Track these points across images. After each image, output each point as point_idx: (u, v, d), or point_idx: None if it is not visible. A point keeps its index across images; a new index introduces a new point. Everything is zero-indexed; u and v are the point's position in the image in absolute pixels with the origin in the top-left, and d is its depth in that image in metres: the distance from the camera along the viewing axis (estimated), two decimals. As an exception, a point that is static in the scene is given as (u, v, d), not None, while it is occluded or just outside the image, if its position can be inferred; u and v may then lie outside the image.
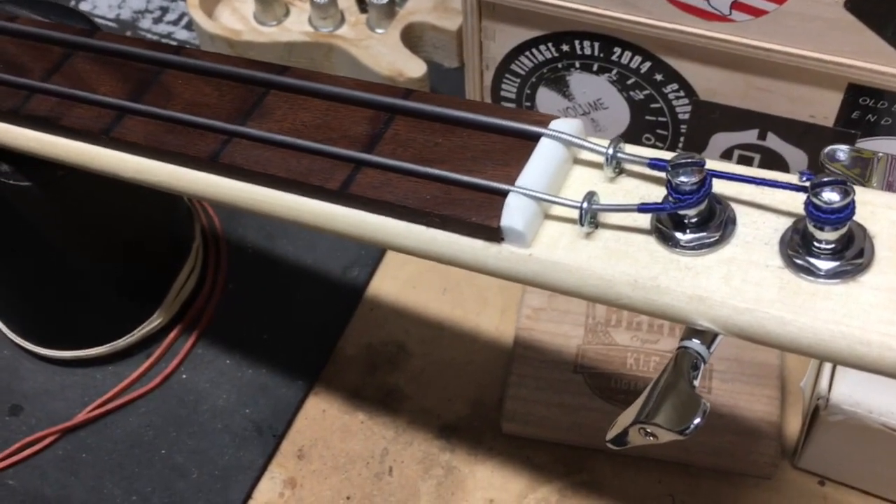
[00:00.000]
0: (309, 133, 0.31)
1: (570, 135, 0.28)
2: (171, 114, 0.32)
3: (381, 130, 0.30)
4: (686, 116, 0.44)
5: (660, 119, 0.45)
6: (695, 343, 0.26)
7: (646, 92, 0.44)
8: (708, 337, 0.26)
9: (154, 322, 0.46)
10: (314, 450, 0.44)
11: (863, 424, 0.36)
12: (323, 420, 0.45)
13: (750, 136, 0.43)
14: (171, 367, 0.46)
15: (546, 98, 0.47)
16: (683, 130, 0.45)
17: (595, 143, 0.28)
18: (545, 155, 0.28)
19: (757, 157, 0.44)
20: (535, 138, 0.28)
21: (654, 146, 0.46)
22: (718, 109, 0.43)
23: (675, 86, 0.43)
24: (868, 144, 0.41)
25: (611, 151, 0.27)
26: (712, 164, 0.26)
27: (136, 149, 0.32)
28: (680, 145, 0.46)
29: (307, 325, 0.48)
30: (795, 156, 0.43)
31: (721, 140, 0.44)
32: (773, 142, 0.43)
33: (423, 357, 0.47)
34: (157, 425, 0.44)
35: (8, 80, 0.35)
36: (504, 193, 0.27)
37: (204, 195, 0.32)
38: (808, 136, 0.42)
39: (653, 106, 0.44)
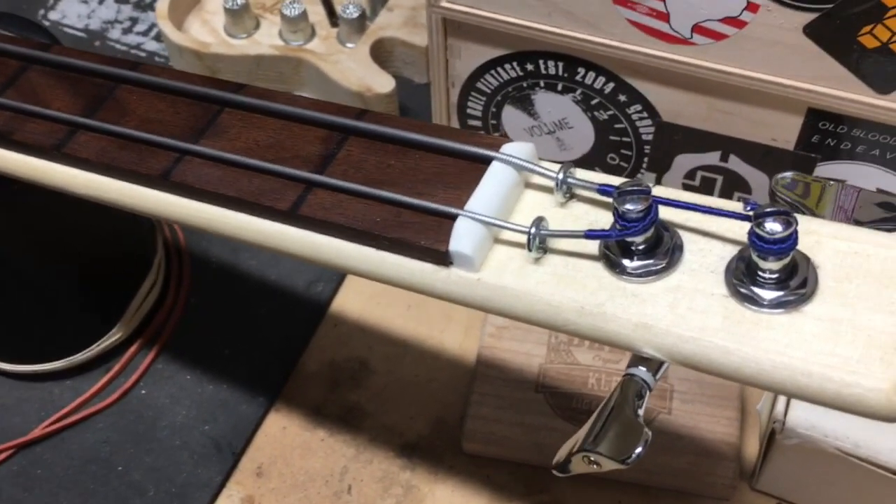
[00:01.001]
0: (261, 152, 0.30)
1: (520, 159, 0.28)
2: (124, 130, 0.32)
3: (334, 151, 0.30)
4: (650, 137, 0.44)
5: (624, 139, 0.45)
6: (641, 371, 0.26)
7: (610, 112, 0.44)
8: (654, 364, 0.26)
9: (114, 336, 0.45)
10: (273, 467, 0.44)
11: (818, 448, 0.36)
12: (283, 437, 0.45)
13: (713, 157, 0.43)
14: (130, 382, 0.45)
15: (512, 116, 0.47)
16: (647, 151, 0.45)
17: (545, 168, 0.28)
18: (496, 179, 0.28)
19: (720, 178, 0.44)
20: (486, 161, 0.28)
21: (618, 166, 0.46)
22: (681, 131, 0.43)
23: (638, 107, 0.43)
24: (828, 168, 0.41)
25: (561, 176, 0.27)
26: (659, 191, 0.26)
27: (88, 165, 0.32)
28: (644, 166, 0.46)
29: (269, 341, 0.47)
30: (757, 178, 0.43)
31: (684, 161, 0.44)
32: (736, 164, 0.43)
33: (385, 374, 0.47)
34: (115, 441, 0.44)
35: (-40, 93, 0.34)
36: (453, 217, 0.27)
37: (155, 213, 0.32)
38: (769, 158, 0.42)
39: (617, 126, 0.44)
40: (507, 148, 0.28)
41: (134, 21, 0.62)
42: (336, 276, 0.50)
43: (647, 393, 0.26)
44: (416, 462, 0.44)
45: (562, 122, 0.46)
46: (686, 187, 0.46)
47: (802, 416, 0.36)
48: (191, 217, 0.31)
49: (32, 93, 0.34)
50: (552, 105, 0.45)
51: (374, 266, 0.28)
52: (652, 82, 0.42)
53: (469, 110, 0.48)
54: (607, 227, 0.27)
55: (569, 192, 0.28)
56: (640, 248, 0.26)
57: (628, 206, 0.25)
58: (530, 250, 0.26)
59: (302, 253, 0.29)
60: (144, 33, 0.62)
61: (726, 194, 0.45)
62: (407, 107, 0.57)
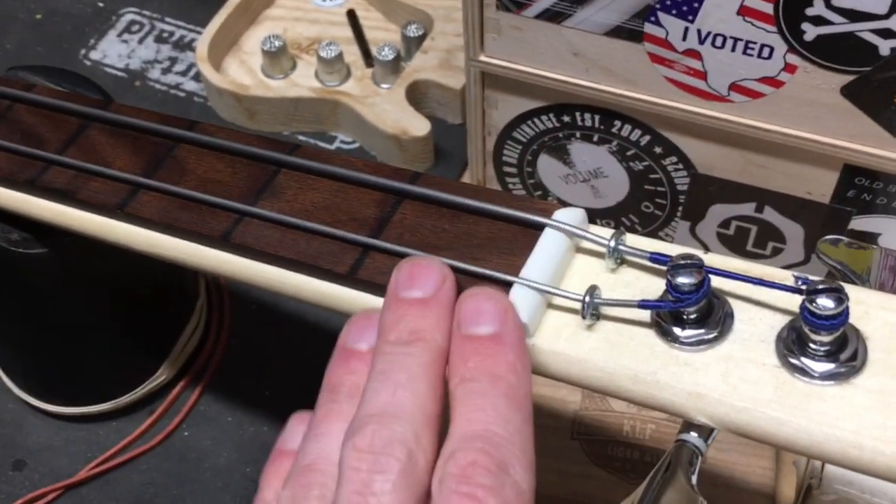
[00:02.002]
0: (318, 214, 0.31)
1: (572, 226, 0.29)
2: (185, 191, 0.33)
3: (389, 214, 0.31)
4: (685, 188, 0.45)
5: (659, 189, 0.46)
6: (692, 437, 0.27)
7: (645, 163, 0.45)
8: (705, 430, 0.27)
9: (158, 379, 0.46)
10: (313, 509, 0.45)
11: None
12: (323, 479, 0.45)
13: (748, 208, 0.44)
14: (174, 424, 0.46)
15: (547, 165, 0.48)
16: (682, 201, 0.46)
17: (597, 235, 0.29)
18: (549, 245, 0.29)
19: (754, 228, 0.45)
20: (539, 227, 0.29)
21: (652, 214, 0.47)
22: (716, 183, 0.44)
23: (673, 158, 0.44)
24: (863, 222, 0.42)
25: (612, 244, 0.28)
26: (711, 261, 0.27)
27: (150, 224, 0.33)
28: (678, 214, 0.46)
29: (310, 383, 0.48)
30: (792, 229, 0.44)
31: (719, 211, 0.45)
32: (771, 215, 0.44)
33: (422, 417, 0.47)
34: (159, 483, 0.45)
35: (25, 151, 0.35)
36: (509, 284, 0.28)
37: (215, 271, 0.33)
38: (804, 211, 0.43)
39: (652, 176, 0.45)
40: (559, 214, 0.29)
41: (173, 61, 0.64)
42: (373, 318, 0.50)
43: (699, 459, 0.26)
44: None
45: (597, 171, 0.47)
46: (720, 236, 0.46)
47: (840, 472, 0.36)
48: (250, 277, 0.32)
49: (94, 151, 0.35)
50: (588, 155, 0.46)
51: (430, 329, 0.29)
52: (688, 136, 0.42)
53: (505, 158, 0.49)
54: (658, 292, 0.28)
55: (619, 259, 0.29)
56: (693, 317, 0.26)
57: (682, 280, 0.26)
58: (584, 318, 0.27)
59: (360, 314, 0.30)
60: (183, 73, 0.63)
61: (760, 244, 0.46)
62: (442, 147, 0.58)
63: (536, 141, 0.47)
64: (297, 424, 0.27)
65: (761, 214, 0.44)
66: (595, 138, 0.45)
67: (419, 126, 0.56)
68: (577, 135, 0.45)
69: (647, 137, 0.43)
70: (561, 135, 0.46)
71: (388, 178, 0.32)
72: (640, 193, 0.46)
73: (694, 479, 0.26)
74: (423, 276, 0.26)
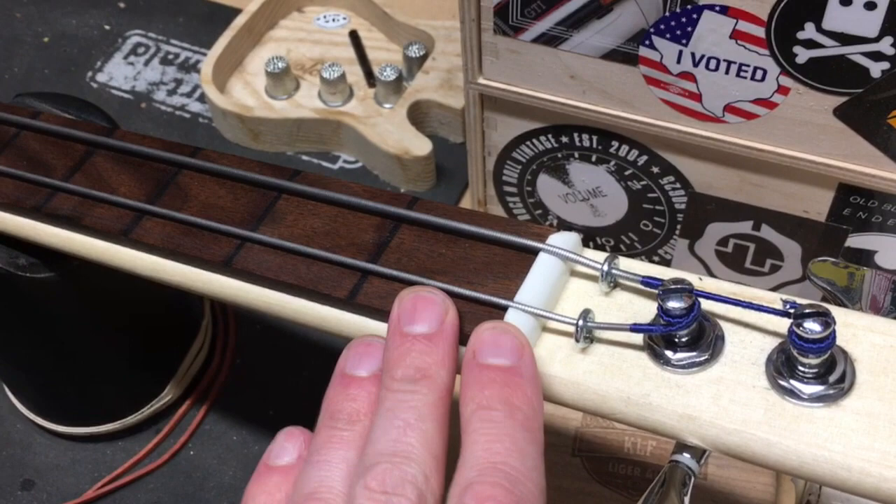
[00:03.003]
0: (318, 240, 0.32)
1: (566, 250, 0.29)
2: (188, 217, 0.33)
3: (387, 239, 0.32)
4: (682, 206, 0.45)
5: (657, 208, 0.46)
6: (685, 457, 0.27)
7: (643, 182, 0.45)
8: (698, 452, 0.27)
9: (164, 399, 0.47)
10: (317, 527, 0.45)
11: (853, 520, 0.37)
12: (326, 497, 0.46)
13: (745, 226, 0.45)
14: (180, 443, 0.47)
15: (546, 184, 0.48)
16: (680, 219, 0.46)
17: (591, 260, 0.29)
18: (543, 270, 0.29)
19: (752, 245, 0.46)
20: (533, 252, 0.30)
21: (651, 232, 0.48)
22: (714, 201, 0.44)
23: (671, 178, 0.44)
24: (859, 239, 0.42)
25: (606, 268, 0.29)
26: (702, 285, 0.28)
27: (154, 249, 0.34)
28: (677, 232, 0.47)
29: (313, 402, 0.48)
30: (789, 246, 0.45)
31: (717, 229, 0.46)
32: (768, 233, 0.44)
33: (425, 434, 0.48)
34: (165, 501, 0.45)
35: (32, 178, 0.36)
36: (504, 308, 0.28)
37: (217, 296, 0.33)
38: (801, 229, 0.43)
39: (650, 195, 0.46)
40: (553, 239, 0.30)
41: (178, 83, 0.65)
42: (376, 336, 0.51)
43: (692, 480, 0.27)
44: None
45: (596, 191, 0.47)
46: (719, 254, 0.47)
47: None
48: (251, 301, 0.32)
49: (99, 178, 0.36)
50: (586, 174, 0.47)
51: (427, 353, 0.29)
52: (684, 156, 0.43)
53: (504, 177, 0.49)
54: (651, 315, 0.28)
55: (613, 282, 0.29)
56: (684, 340, 0.27)
57: (672, 304, 0.26)
58: (577, 341, 0.28)
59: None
60: (188, 94, 0.64)
61: (758, 261, 0.46)
62: (444, 166, 0.59)
63: (536, 161, 0.47)
64: (285, 440, 0.28)
65: (758, 232, 0.45)
66: (593, 158, 0.46)
67: (421, 146, 0.57)
68: (576, 155, 0.46)
69: (645, 157, 0.44)
70: (560, 155, 0.46)
71: (387, 203, 0.32)
72: (639, 212, 0.47)
73: (686, 500, 0.26)
74: (426, 310, 0.26)
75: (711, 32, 0.37)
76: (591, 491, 0.43)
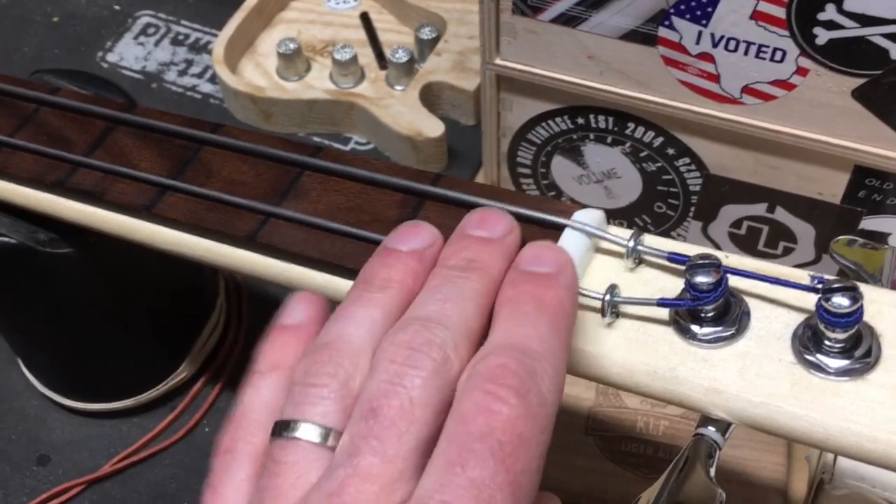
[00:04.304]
0: (342, 215, 0.32)
1: (592, 227, 0.30)
2: (212, 193, 0.33)
3: (412, 215, 0.32)
4: (697, 188, 0.46)
5: (671, 190, 0.46)
6: (710, 430, 0.27)
7: (658, 164, 0.45)
8: (722, 425, 0.27)
9: (179, 376, 0.47)
10: None
11: (867, 499, 0.37)
12: (340, 475, 0.46)
13: (759, 209, 0.45)
14: (194, 420, 0.47)
15: (560, 165, 0.48)
16: (694, 201, 0.46)
17: (616, 236, 0.29)
18: (568, 245, 0.29)
19: (766, 227, 0.46)
20: (558, 228, 0.30)
21: (665, 214, 0.48)
22: (728, 183, 0.44)
23: (686, 160, 0.44)
24: (874, 222, 0.42)
25: (631, 244, 0.29)
26: (729, 261, 0.28)
27: (177, 224, 0.34)
28: (691, 214, 0.47)
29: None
30: (803, 229, 0.45)
31: (731, 211, 0.46)
32: (782, 215, 0.45)
33: (438, 414, 0.48)
34: (180, 477, 0.46)
35: (53, 153, 0.36)
36: (530, 283, 0.29)
37: (240, 270, 0.33)
38: (815, 211, 0.43)
39: (665, 177, 0.46)
40: (578, 215, 0.30)
41: (189, 63, 0.65)
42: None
43: (717, 452, 0.27)
44: None
45: (610, 172, 0.48)
46: (732, 236, 0.47)
47: (852, 467, 0.37)
48: (275, 276, 0.32)
49: (120, 153, 0.36)
50: (601, 156, 0.47)
51: (453, 327, 0.30)
52: (700, 138, 0.43)
53: (519, 159, 0.50)
54: (676, 291, 0.28)
55: (637, 258, 0.29)
56: (710, 315, 0.27)
57: (700, 279, 0.26)
58: (604, 316, 0.28)
59: (384, 313, 0.31)
60: (199, 75, 0.64)
61: (772, 244, 0.46)
62: (455, 148, 0.59)
63: (551, 142, 0.48)
64: (297, 302, 0.27)
65: (773, 215, 0.45)
66: (609, 140, 0.46)
67: (433, 127, 0.57)
68: (591, 136, 0.46)
69: (661, 139, 0.44)
70: (575, 136, 0.46)
71: (411, 179, 0.32)
72: (653, 194, 0.47)
73: (712, 472, 0.27)
74: (492, 221, 0.26)
75: (731, 13, 0.37)
76: (603, 469, 0.44)
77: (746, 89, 0.40)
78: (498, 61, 0.44)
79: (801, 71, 0.38)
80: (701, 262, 0.26)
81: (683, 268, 0.27)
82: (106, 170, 0.35)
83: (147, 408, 0.47)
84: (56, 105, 0.39)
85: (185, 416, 0.47)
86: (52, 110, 0.39)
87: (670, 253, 0.28)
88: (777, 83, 0.39)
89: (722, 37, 0.38)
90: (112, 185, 0.35)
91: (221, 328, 0.49)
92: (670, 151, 0.45)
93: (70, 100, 0.38)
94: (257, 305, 0.51)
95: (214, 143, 0.35)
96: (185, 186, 0.34)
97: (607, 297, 0.28)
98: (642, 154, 0.45)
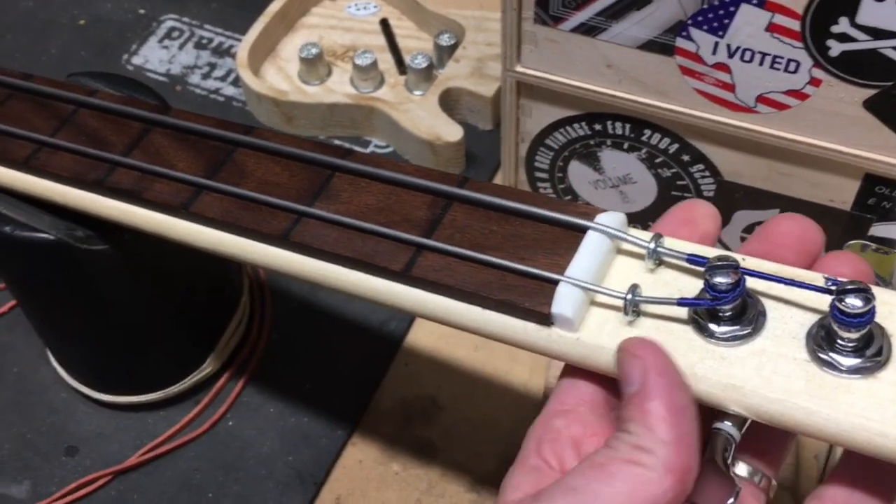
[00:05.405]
0: (373, 216, 0.33)
1: (614, 229, 0.31)
2: (246, 192, 0.35)
3: (440, 216, 0.33)
4: (711, 194, 0.47)
5: (685, 195, 0.48)
6: (726, 425, 0.28)
7: (673, 170, 0.47)
8: (739, 420, 0.29)
9: (204, 370, 0.49)
10: (351, 498, 0.47)
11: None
12: (360, 470, 0.48)
13: (771, 214, 0.46)
14: (219, 413, 0.48)
15: (577, 170, 0.50)
16: (708, 206, 0.47)
17: (637, 238, 0.31)
18: (592, 247, 0.31)
19: (777, 233, 0.47)
20: (582, 230, 0.31)
21: (679, 219, 0.49)
22: (742, 190, 0.46)
23: (701, 166, 0.46)
24: (883, 228, 0.44)
25: (652, 246, 0.30)
26: (746, 263, 0.29)
27: (212, 223, 0.35)
28: (704, 219, 0.48)
29: (346, 376, 0.50)
30: (813, 234, 0.46)
31: (743, 216, 0.47)
32: (793, 221, 0.46)
33: (454, 412, 0.49)
34: (205, 469, 0.47)
35: (93, 153, 0.38)
36: (555, 282, 0.30)
37: (274, 268, 0.35)
38: (826, 217, 0.45)
39: (679, 183, 0.47)
40: (601, 218, 0.31)
41: (212, 66, 0.66)
42: (407, 315, 0.53)
43: (733, 446, 0.28)
44: (486, 497, 0.46)
45: (626, 178, 0.49)
46: (743, 241, 0.48)
47: (861, 464, 0.38)
48: (308, 274, 0.34)
49: (157, 154, 0.37)
50: (617, 162, 0.48)
51: (480, 324, 0.31)
52: (715, 145, 0.44)
53: (537, 163, 0.51)
54: (693, 292, 0.29)
55: (658, 260, 0.31)
56: (728, 315, 0.28)
57: (719, 279, 0.27)
58: (626, 314, 0.29)
59: (413, 310, 0.32)
60: (222, 78, 0.66)
61: (783, 249, 0.47)
62: (473, 153, 0.60)
63: (568, 148, 0.49)
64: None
65: (784, 220, 0.46)
66: (625, 146, 0.47)
67: (452, 132, 0.58)
68: (608, 142, 0.47)
69: (676, 146, 0.45)
70: (592, 142, 0.48)
71: (438, 181, 0.34)
72: (668, 199, 0.48)
73: (729, 465, 0.28)
74: None
75: (748, 25, 0.39)
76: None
77: (761, 98, 0.41)
78: (519, 68, 0.45)
79: (815, 81, 0.39)
80: (720, 263, 0.28)
81: (702, 269, 0.28)
82: (144, 169, 0.37)
83: (173, 401, 0.49)
84: (94, 106, 0.40)
85: (209, 409, 0.49)
86: (89, 112, 0.40)
87: (690, 255, 0.30)
88: (791, 93, 0.40)
89: (738, 48, 0.40)
90: (150, 184, 0.36)
91: (245, 324, 0.51)
92: (685, 158, 0.46)
93: (108, 102, 0.40)
94: (281, 304, 0.53)
95: (248, 144, 0.37)
96: (220, 186, 0.35)
97: (629, 297, 0.29)
98: (658, 160, 0.47)
